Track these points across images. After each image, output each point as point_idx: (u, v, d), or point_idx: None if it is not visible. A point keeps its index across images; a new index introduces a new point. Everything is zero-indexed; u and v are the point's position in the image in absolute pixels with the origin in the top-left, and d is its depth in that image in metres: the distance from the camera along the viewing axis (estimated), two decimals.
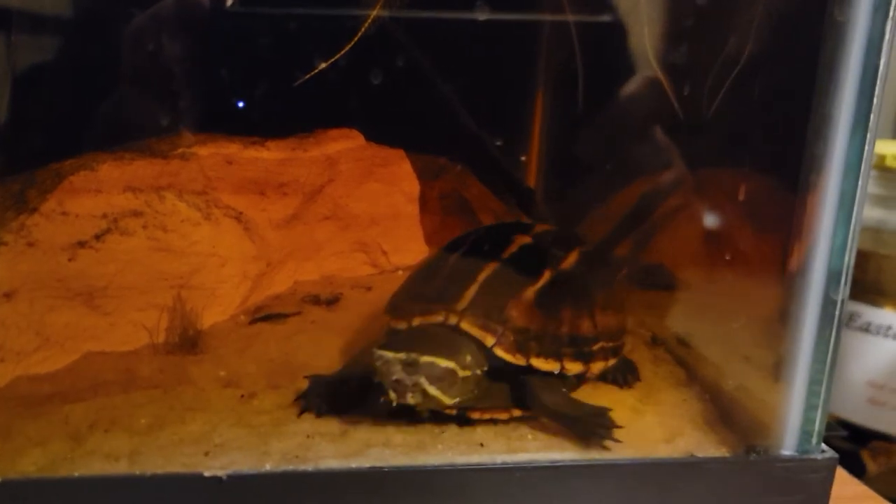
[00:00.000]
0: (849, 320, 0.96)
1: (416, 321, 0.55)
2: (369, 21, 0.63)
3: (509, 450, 0.51)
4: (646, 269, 0.81)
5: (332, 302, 0.73)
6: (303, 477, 0.46)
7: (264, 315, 0.69)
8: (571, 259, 0.61)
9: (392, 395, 0.50)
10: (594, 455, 0.50)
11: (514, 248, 0.60)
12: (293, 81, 0.67)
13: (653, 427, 0.56)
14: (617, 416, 0.56)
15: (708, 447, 0.52)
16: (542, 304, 0.56)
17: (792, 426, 0.50)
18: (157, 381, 0.59)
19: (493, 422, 0.54)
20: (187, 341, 0.63)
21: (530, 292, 0.56)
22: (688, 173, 0.68)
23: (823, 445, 0.51)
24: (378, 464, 0.47)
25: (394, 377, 0.50)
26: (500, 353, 0.53)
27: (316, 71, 0.63)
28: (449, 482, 0.47)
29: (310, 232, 0.76)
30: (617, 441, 0.52)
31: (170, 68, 0.71)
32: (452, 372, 0.51)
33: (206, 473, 0.44)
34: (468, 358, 0.53)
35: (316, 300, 0.73)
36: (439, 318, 0.54)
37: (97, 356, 0.62)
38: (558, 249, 0.61)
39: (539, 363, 0.54)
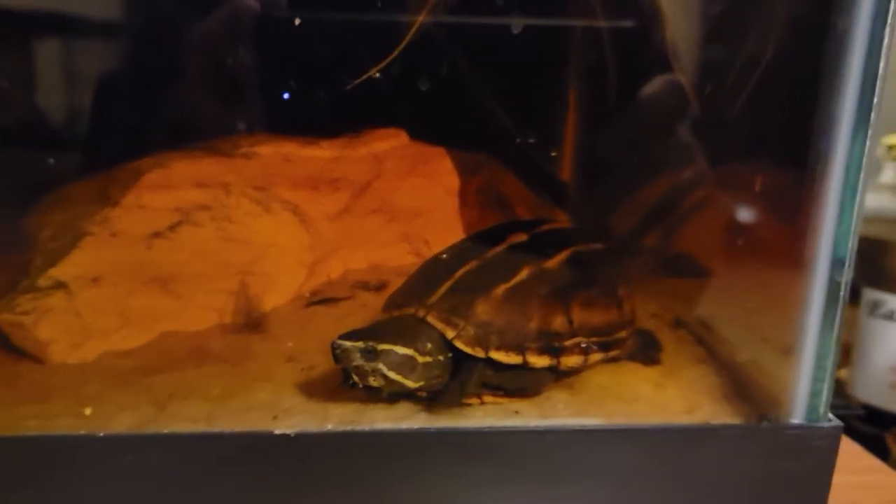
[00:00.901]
0: (873, 308, 1.00)
1: (395, 314, 0.61)
2: (415, 28, 0.69)
3: (541, 416, 0.56)
4: (672, 259, 0.85)
5: (379, 287, 0.79)
6: (359, 436, 0.52)
7: (319, 299, 0.76)
8: (559, 258, 0.64)
9: (355, 378, 0.56)
10: (619, 421, 0.56)
11: (502, 247, 0.65)
12: (344, 85, 0.74)
13: (674, 400, 0.61)
14: (640, 390, 0.62)
15: (724, 418, 0.57)
16: (512, 300, 0.60)
17: (801, 397, 0.55)
18: (226, 356, 0.66)
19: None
20: (251, 322, 0.70)
21: (501, 289, 0.60)
22: (709, 168, 0.73)
23: (830, 415, 0.56)
24: (425, 426, 0.54)
25: (354, 363, 0.55)
26: (459, 344, 0.58)
27: (367, 76, 0.69)
28: (488, 443, 0.53)
29: (359, 224, 0.82)
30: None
31: (231, 72, 0.77)
32: (411, 358, 0.56)
33: (277, 431, 0.51)
34: (428, 345, 0.58)
35: (365, 286, 0.79)
36: (410, 312, 0.60)
37: (171, 335, 0.69)
38: (548, 248, 0.65)
39: (499, 356, 0.58)
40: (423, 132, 0.85)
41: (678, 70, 0.72)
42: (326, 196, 0.79)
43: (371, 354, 0.55)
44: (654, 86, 0.78)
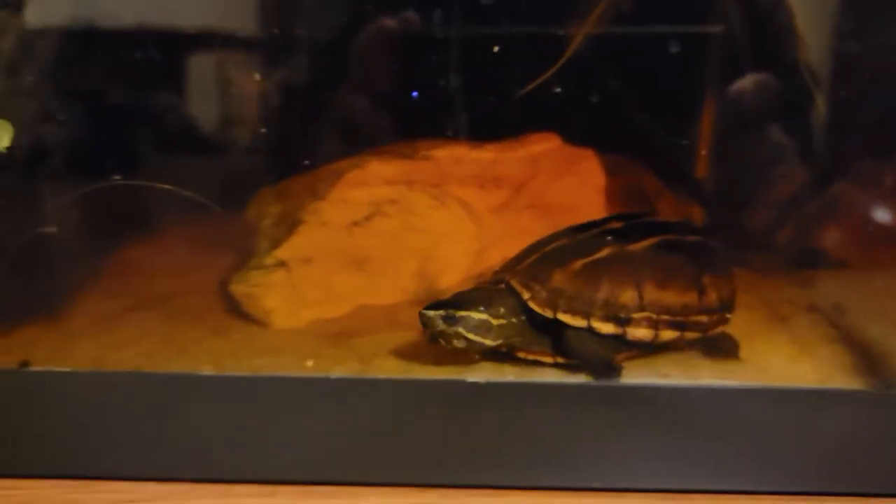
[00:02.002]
0: None
1: (480, 284, 0.74)
2: (577, 43, 0.79)
3: (687, 378, 0.66)
4: (805, 251, 0.92)
5: None
6: (538, 386, 0.64)
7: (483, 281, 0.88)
8: (643, 244, 0.72)
9: (441, 341, 0.67)
10: (756, 382, 0.64)
11: (594, 231, 0.74)
12: (506, 93, 0.85)
13: (807, 372, 0.69)
14: (775, 362, 0.70)
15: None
16: (586, 273, 0.69)
17: None
18: (413, 325, 0.78)
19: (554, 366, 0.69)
20: (431, 297, 0.82)
21: (579, 263, 0.70)
22: (841, 165, 0.79)
23: None
24: (588, 381, 0.64)
25: (438, 329, 0.67)
26: (532, 305, 0.68)
27: (531, 86, 0.80)
28: (639, 398, 0.63)
29: (516, 218, 0.94)
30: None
31: (413, 84, 0.90)
32: (486, 321, 0.67)
33: (469, 379, 0.63)
34: (502, 309, 0.68)
35: None
36: (499, 278, 0.72)
37: (367, 307, 0.83)
38: (637, 235, 0.73)
39: (566, 318, 0.67)
40: (574, 135, 0.95)
41: (808, 72, 0.79)
42: (490, 193, 0.91)
43: (451, 320, 0.66)
44: (783, 87, 0.85)
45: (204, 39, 0.86)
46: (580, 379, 0.65)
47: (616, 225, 0.75)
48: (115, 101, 0.83)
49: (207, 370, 0.67)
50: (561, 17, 0.87)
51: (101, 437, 0.65)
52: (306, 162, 0.84)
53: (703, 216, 1.08)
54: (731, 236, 1.00)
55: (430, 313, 0.67)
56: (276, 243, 0.81)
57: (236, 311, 0.81)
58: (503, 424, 0.63)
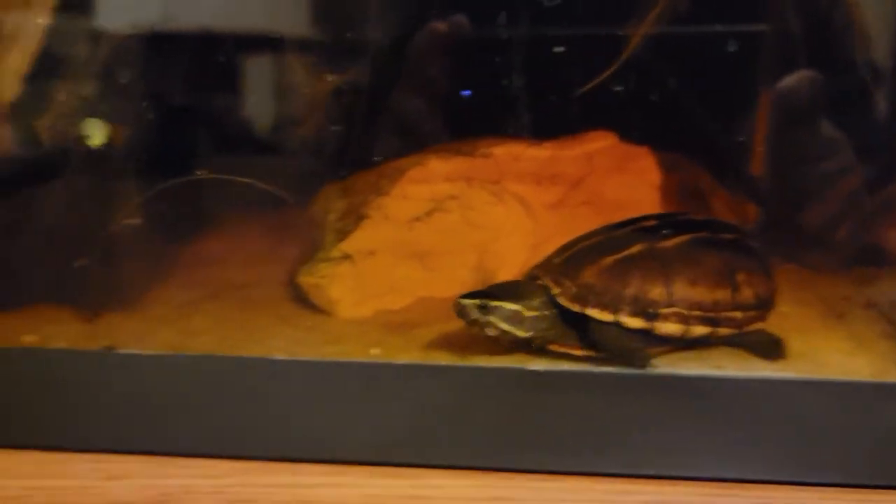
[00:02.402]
0: None
1: (517, 279, 0.77)
2: (635, 43, 0.81)
3: (741, 369, 0.68)
4: (864, 249, 0.92)
5: None
6: (595, 375, 0.66)
7: None
8: (675, 241, 0.73)
9: (475, 329, 0.70)
10: (813, 375, 0.65)
11: (629, 228, 0.76)
12: (564, 93, 0.87)
13: (863, 367, 0.69)
14: (832, 357, 0.71)
15: None
16: (616, 269, 0.71)
17: None
18: None
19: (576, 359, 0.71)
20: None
21: (609, 259, 0.72)
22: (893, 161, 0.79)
23: None
24: (644, 371, 0.66)
25: (472, 317, 0.69)
26: (562, 300, 0.71)
27: (589, 86, 0.82)
28: (696, 388, 0.65)
29: (572, 214, 0.96)
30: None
31: (464, 82, 0.93)
32: (518, 312, 0.70)
33: (528, 367, 0.66)
34: (535, 302, 0.71)
35: None
36: (534, 273, 0.74)
37: (427, 299, 0.86)
38: (671, 233, 0.74)
39: (594, 313, 0.69)
40: (630, 133, 0.97)
41: (869, 68, 0.79)
42: (546, 189, 0.93)
43: (485, 310, 0.69)
44: (842, 83, 0.85)
45: (273, 42, 0.90)
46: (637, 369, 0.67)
47: (651, 223, 0.77)
48: (194, 102, 0.88)
49: (279, 356, 0.71)
50: (618, 18, 0.89)
51: (180, 417, 0.69)
52: (375, 159, 0.88)
53: (759, 214, 1.09)
54: (786, 234, 1.01)
55: (465, 302, 0.70)
56: (341, 237, 0.85)
57: (304, 300, 0.85)
58: (561, 411, 0.66)
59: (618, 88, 0.89)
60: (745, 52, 1.02)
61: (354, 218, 0.85)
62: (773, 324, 0.76)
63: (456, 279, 0.86)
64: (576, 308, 0.71)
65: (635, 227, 0.76)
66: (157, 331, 0.78)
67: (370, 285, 0.84)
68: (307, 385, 0.68)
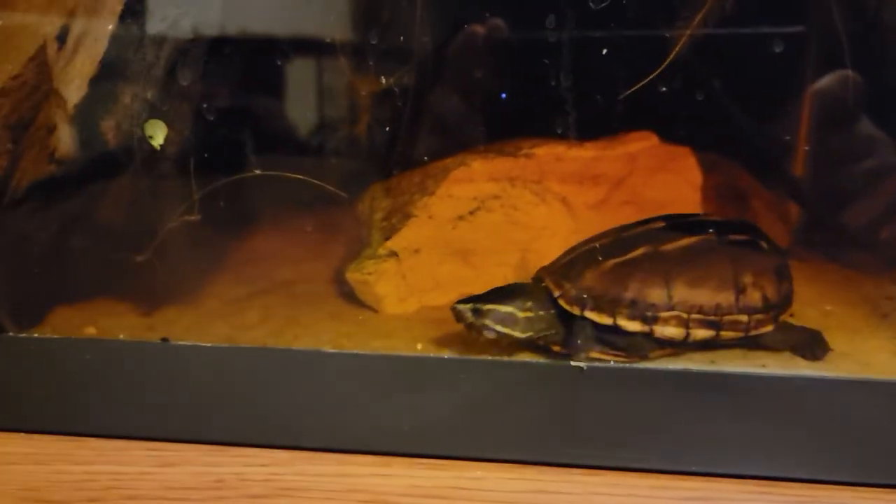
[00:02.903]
0: None
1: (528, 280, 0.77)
2: (681, 45, 0.82)
3: (784, 367, 0.68)
4: None
5: None
6: (636, 371, 0.67)
7: None
8: (679, 243, 0.74)
9: (474, 333, 0.71)
10: (857, 374, 0.66)
11: (638, 230, 0.76)
12: (606, 93, 0.88)
13: None
14: (877, 357, 0.71)
15: None
16: (617, 272, 0.72)
17: None
18: None
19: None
20: None
21: (611, 262, 0.73)
22: None
23: None
24: (686, 367, 0.68)
25: (467, 321, 0.71)
26: (561, 302, 0.72)
27: (634, 88, 0.83)
28: (739, 386, 0.66)
29: (614, 213, 0.97)
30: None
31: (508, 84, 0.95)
32: (512, 314, 0.71)
33: (572, 363, 0.67)
34: (529, 303, 0.72)
35: None
36: (539, 275, 0.76)
37: None
38: (676, 234, 0.74)
39: (592, 315, 0.70)
40: (669, 133, 0.97)
41: None
42: (588, 189, 0.94)
43: (478, 313, 0.71)
44: (887, 83, 0.85)
45: (322, 46, 0.93)
46: (678, 365, 0.68)
47: (660, 224, 0.77)
48: (247, 103, 0.91)
49: (328, 349, 0.73)
50: (663, 19, 0.90)
51: (233, 407, 0.72)
52: (423, 158, 0.90)
53: (801, 213, 1.09)
54: (829, 233, 1.01)
55: (460, 307, 0.72)
56: (387, 235, 0.87)
57: (351, 296, 0.87)
58: (603, 407, 0.67)
59: (662, 90, 0.89)
60: (788, 53, 1.02)
61: (400, 216, 0.87)
62: (817, 322, 0.77)
63: (498, 277, 0.88)
64: (575, 311, 0.72)
65: (644, 230, 0.77)
66: (211, 324, 0.81)
67: (415, 282, 0.86)
68: (355, 378, 0.70)
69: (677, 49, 0.82)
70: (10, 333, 0.75)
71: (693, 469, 0.66)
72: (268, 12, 0.86)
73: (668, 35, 0.87)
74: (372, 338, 0.78)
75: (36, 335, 0.76)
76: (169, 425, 0.73)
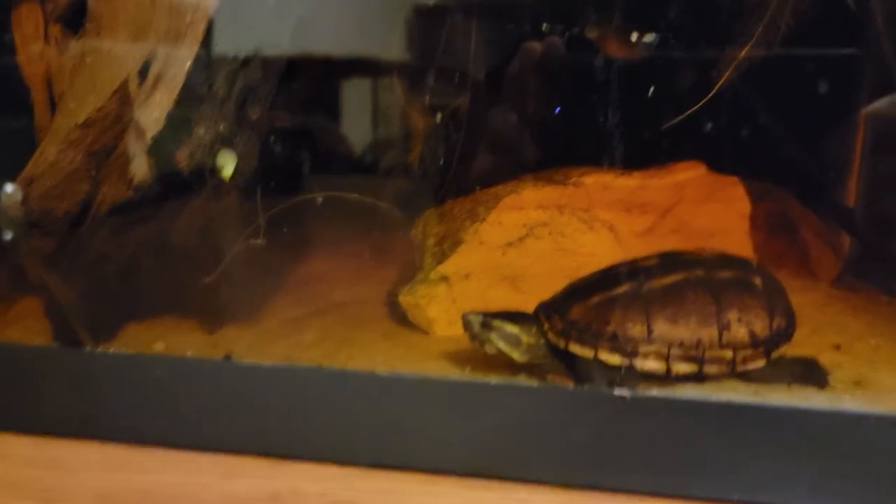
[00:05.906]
0: None
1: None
2: (730, 72, 0.83)
3: (829, 402, 0.69)
4: None
5: None
6: (678, 402, 0.69)
7: None
8: (664, 280, 0.75)
9: (476, 343, 0.75)
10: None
11: (628, 267, 0.78)
12: (654, 122, 0.90)
13: None
14: None
15: None
16: (601, 307, 0.74)
17: None
18: None
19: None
20: None
21: (596, 298, 0.75)
22: None
23: None
24: (730, 399, 0.69)
25: (474, 332, 0.75)
26: (549, 335, 0.75)
27: (682, 117, 0.85)
28: (778, 419, 0.67)
29: (661, 241, 0.98)
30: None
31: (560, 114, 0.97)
32: (517, 336, 0.75)
33: (616, 392, 0.69)
34: (533, 329, 0.76)
35: None
36: (539, 307, 0.78)
37: None
38: (662, 270, 0.77)
39: (575, 348, 0.73)
40: (718, 162, 0.99)
41: None
42: (636, 217, 0.96)
43: (486, 326, 0.75)
44: None
45: (379, 70, 0.97)
46: (720, 396, 0.69)
47: (652, 262, 0.79)
48: (313, 134, 0.96)
49: (381, 371, 0.76)
50: (712, 47, 0.91)
51: (290, 423, 0.76)
52: (475, 188, 0.94)
53: (852, 244, 1.09)
54: (881, 264, 1.01)
55: (471, 317, 0.76)
56: (439, 260, 0.90)
57: (403, 318, 0.91)
58: (644, 435, 0.69)
59: (709, 120, 0.91)
60: (838, 79, 1.02)
61: (452, 242, 0.91)
62: (864, 357, 0.77)
63: None
64: (560, 343, 0.75)
65: (634, 267, 0.79)
66: (271, 342, 0.85)
67: (465, 306, 0.88)
68: (406, 398, 0.73)
69: (724, 79, 0.84)
70: (88, 348, 0.81)
71: (735, 497, 0.68)
72: (332, 45, 0.90)
73: (716, 64, 0.88)
74: (423, 359, 0.82)
75: (111, 350, 0.81)
76: (230, 438, 0.77)
